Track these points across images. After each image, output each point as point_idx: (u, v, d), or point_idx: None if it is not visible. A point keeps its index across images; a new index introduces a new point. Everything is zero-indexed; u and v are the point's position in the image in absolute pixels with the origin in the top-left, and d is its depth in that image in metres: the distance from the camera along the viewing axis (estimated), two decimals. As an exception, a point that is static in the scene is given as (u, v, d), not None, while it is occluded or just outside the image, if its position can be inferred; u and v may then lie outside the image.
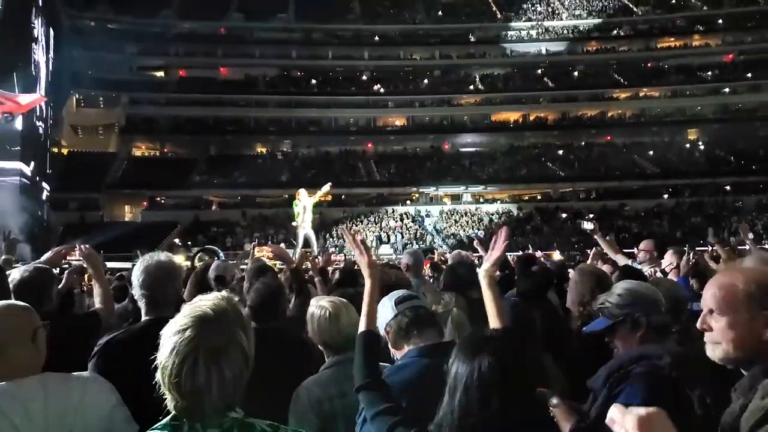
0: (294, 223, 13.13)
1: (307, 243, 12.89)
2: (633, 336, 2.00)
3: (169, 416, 1.34)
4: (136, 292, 2.42)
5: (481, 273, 2.11)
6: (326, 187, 12.72)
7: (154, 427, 1.34)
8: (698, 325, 1.52)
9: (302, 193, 12.99)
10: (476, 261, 5.70)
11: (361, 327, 2.01)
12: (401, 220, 37.82)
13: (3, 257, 4.19)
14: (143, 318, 2.42)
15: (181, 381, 1.29)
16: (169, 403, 1.32)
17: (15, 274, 2.82)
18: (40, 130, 29.35)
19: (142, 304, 2.42)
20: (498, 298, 2.09)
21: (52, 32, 31.46)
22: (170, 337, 1.33)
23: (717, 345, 1.46)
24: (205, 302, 1.39)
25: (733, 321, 1.43)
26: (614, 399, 1.80)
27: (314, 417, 2.18)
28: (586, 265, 3.67)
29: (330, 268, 6.33)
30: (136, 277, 2.41)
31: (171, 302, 2.37)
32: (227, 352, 1.33)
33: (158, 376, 1.33)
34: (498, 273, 2.04)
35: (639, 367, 1.85)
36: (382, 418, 1.73)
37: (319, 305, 2.45)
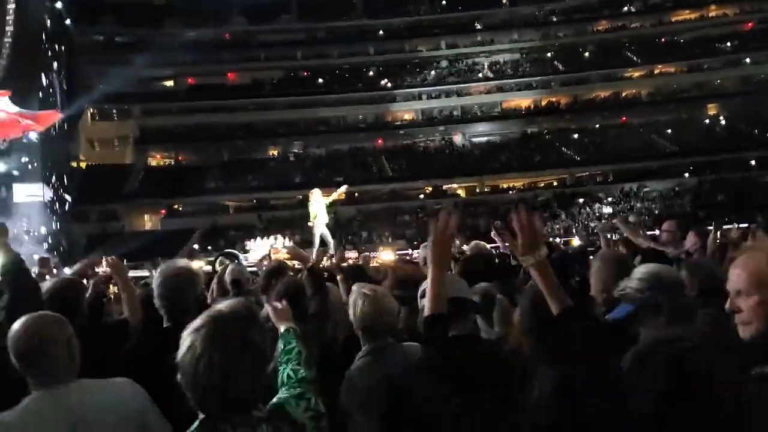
0: (310, 223, 13.20)
1: (323, 242, 12.95)
2: (656, 320, 1.98)
3: (198, 421, 1.38)
4: (157, 301, 2.49)
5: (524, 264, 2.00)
6: (342, 189, 12.81)
7: None
8: (727, 306, 1.52)
9: (316, 192, 13.05)
10: (493, 252, 5.68)
11: (428, 310, 1.96)
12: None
13: (37, 271, 4.29)
14: (165, 324, 2.48)
15: (199, 377, 1.34)
16: (191, 401, 1.38)
17: (47, 287, 2.89)
18: (59, 146, 29.89)
19: (162, 312, 2.48)
20: (549, 283, 1.89)
21: (63, 49, 31.93)
22: (187, 336, 1.39)
23: (748, 325, 1.47)
24: (221, 305, 1.47)
25: (763, 299, 1.43)
26: (638, 384, 1.79)
27: (372, 400, 2.22)
28: (607, 250, 3.64)
29: (345, 265, 6.37)
30: (156, 286, 2.49)
31: (191, 308, 2.42)
32: (242, 349, 1.38)
33: (179, 374, 1.38)
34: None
35: (664, 352, 1.82)
36: None
37: (362, 292, 2.50)
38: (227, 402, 1.35)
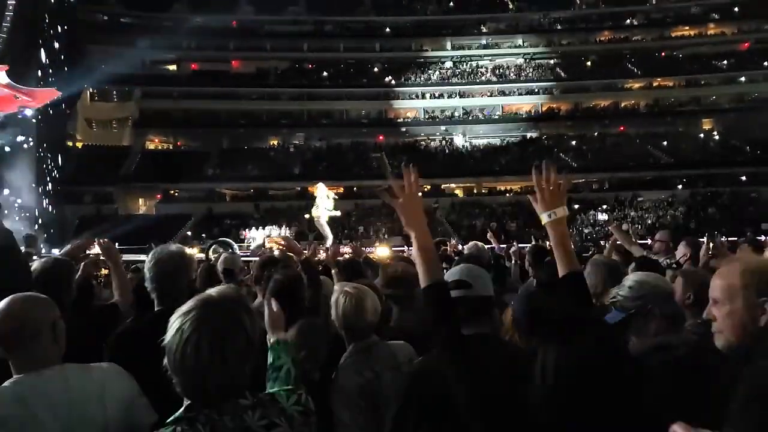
0: (308, 216, 13.26)
1: (321, 235, 13.00)
2: (647, 327, 2.01)
3: (183, 407, 1.36)
4: (148, 284, 2.44)
5: (543, 221, 1.94)
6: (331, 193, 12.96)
7: (169, 419, 1.35)
8: (704, 314, 1.56)
9: (320, 186, 13.10)
10: (490, 253, 5.69)
11: (425, 281, 1.81)
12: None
13: (24, 250, 4.25)
14: (156, 309, 2.44)
15: (186, 360, 1.32)
16: (177, 386, 1.35)
17: (35, 266, 2.86)
18: (55, 124, 29.68)
19: (153, 296, 2.44)
20: (564, 242, 1.85)
21: (65, 27, 31.71)
22: (176, 319, 1.38)
23: (720, 334, 1.50)
24: (211, 290, 1.45)
25: (732, 309, 1.47)
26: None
27: (361, 401, 2.22)
28: (599, 256, 3.66)
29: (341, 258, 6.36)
30: (148, 270, 2.44)
31: (183, 293, 2.36)
32: (230, 333, 1.36)
33: (165, 359, 1.36)
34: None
35: (655, 358, 1.87)
36: None
37: (343, 291, 2.46)
38: (213, 387, 1.33)
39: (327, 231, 13.13)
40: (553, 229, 1.86)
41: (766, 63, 44.37)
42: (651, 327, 2.00)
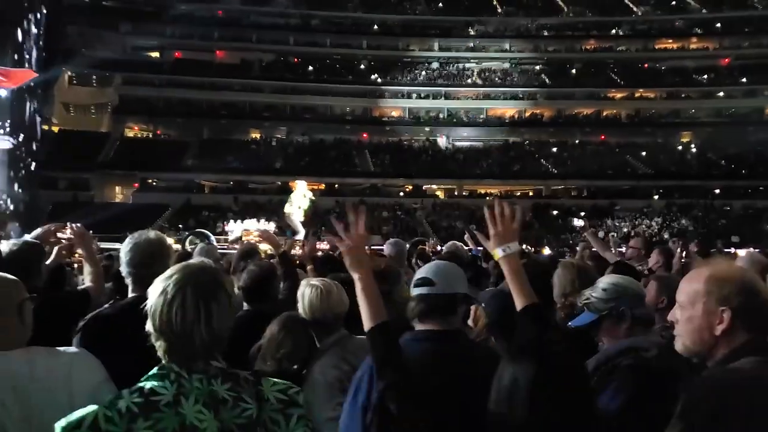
0: (286, 211, 13.20)
1: (295, 231, 12.99)
2: (618, 329, 2.03)
3: (157, 367, 1.36)
4: (124, 269, 2.39)
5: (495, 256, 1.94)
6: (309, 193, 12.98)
7: (143, 378, 1.36)
8: (668, 317, 1.57)
9: (300, 184, 13.09)
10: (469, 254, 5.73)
11: (370, 322, 1.79)
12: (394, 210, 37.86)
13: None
14: (130, 295, 2.39)
15: (172, 318, 1.33)
16: (159, 350, 1.36)
17: (3, 248, 2.79)
18: (30, 106, 28.95)
19: (129, 281, 2.39)
20: (518, 277, 1.84)
21: (45, 8, 30.97)
22: (159, 282, 1.39)
23: (678, 337, 1.52)
24: (189, 261, 1.50)
25: (692, 315, 1.48)
26: (602, 391, 1.84)
27: (339, 394, 2.19)
28: (569, 259, 3.71)
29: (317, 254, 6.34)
30: (125, 254, 2.38)
31: None
32: (214, 291, 1.39)
33: (148, 324, 1.36)
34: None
35: (627, 360, 1.89)
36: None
37: (310, 284, 2.48)
38: (200, 346, 1.34)
39: (299, 227, 13.09)
40: (507, 263, 1.85)
41: (744, 79, 45.36)
42: (622, 329, 2.03)
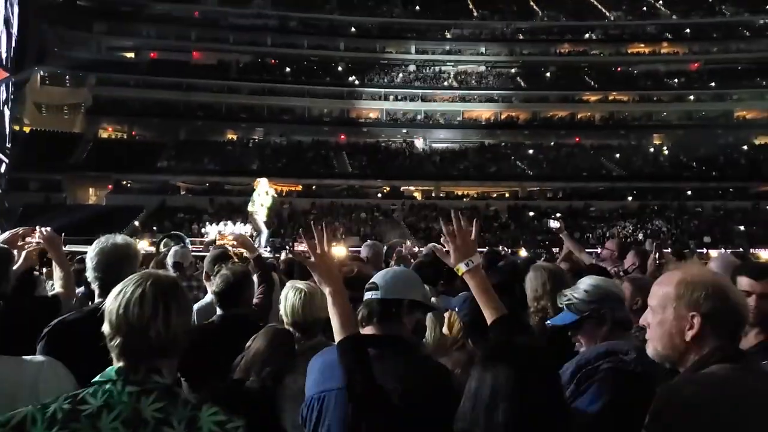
0: (250, 209, 13.00)
1: (259, 231, 12.84)
2: (598, 331, 2.03)
3: (98, 376, 1.33)
4: (90, 274, 2.36)
5: (458, 272, 2.00)
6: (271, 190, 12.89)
7: (93, 380, 1.33)
8: (640, 321, 1.56)
9: (262, 182, 12.89)
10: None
11: (340, 334, 1.83)
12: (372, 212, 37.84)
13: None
14: (96, 300, 2.36)
15: (129, 311, 1.32)
16: (113, 349, 1.33)
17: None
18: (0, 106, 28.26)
19: (95, 286, 2.35)
20: (484, 290, 1.92)
21: (16, 6, 30.26)
22: (118, 286, 1.39)
23: (650, 341, 1.50)
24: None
25: (663, 319, 1.46)
26: (581, 394, 1.85)
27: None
28: (542, 262, 3.74)
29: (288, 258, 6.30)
30: (90, 259, 2.35)
31: None
32: (174, 292, 1.38)
33: (105, 325, 1.34)
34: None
35: (606, 363, 1.88)
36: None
37: (294, 287, 2.45)
38: (148, 343, 1.31)
39: (262, 226, 12.92)
40: (472, 277, 1.88)
41: (713, 83, 46.48)
42: (602, 331, 2.02)
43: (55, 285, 2.96)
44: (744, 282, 2.13)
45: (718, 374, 1.37)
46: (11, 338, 1.78)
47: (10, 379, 1.61)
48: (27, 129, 40.17)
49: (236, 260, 3.60)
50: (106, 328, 1.34)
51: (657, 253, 4.55)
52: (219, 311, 2.95)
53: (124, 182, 39.00)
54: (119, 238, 2.43)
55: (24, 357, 1.72)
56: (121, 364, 1.32)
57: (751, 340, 2.02)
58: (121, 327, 1.32)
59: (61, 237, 3.16)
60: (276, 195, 13.48)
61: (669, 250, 8.72)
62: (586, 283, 2.13)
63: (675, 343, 1.45)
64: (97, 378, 1.33)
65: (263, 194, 12.72)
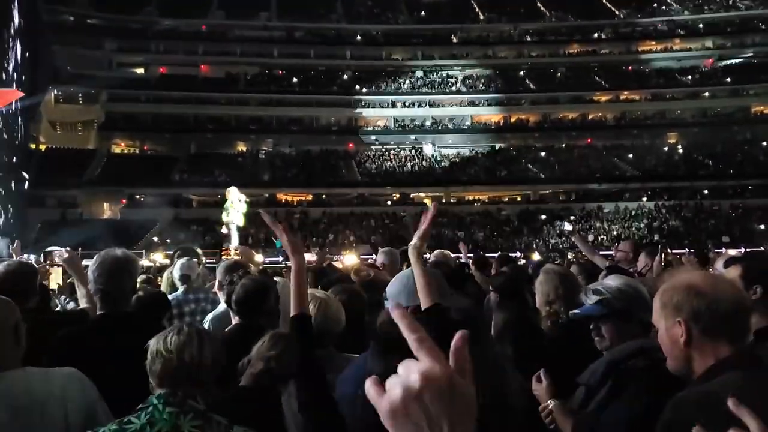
0: (225, 218, 13.21)
1: (230, 238, 13.03)
2: (624, 329, 2.00)
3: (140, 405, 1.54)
4: (92, 286, 2.46)
5: (410, 248, 2.16)
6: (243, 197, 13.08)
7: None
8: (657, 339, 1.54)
9: (232, 190, 13.14)
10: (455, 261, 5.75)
11: (295, 310, 1.99)
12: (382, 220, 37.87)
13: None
14: (98, 313, 2.45)
15: (168, 339, 1.58)
16: (153, 377, 1.56)
17: (-1, 268, 2.80)
18: (17, 125, 28.82)
19: (97, 298, 2.45)
20: (425, 273, 2.10)
21: (30, 26, 30.89)
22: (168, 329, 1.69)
23: (666, 357, 1.48)
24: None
25: (661, 333, 1.46)
26: (618, 394, 1.82)
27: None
28: (551, 265, 3.72)
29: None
30: (91, 272, 2.44)
31: (126, 297, 2.48)
32: (207, 330, 1.67)
33: (148, 358, 1.58)
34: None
35: (641, 361, 1.86)
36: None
37: (313, 296, 2.44)
38: (183, 366, 1.54)
39: (235, 236, 13.15)
40: (415, 257, 2.11)
41: (728, 79, 45.75)
42: (628, 330, 1.99)
43: (80, 302, 3.08)
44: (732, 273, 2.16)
45: (728, 384, 1.31)
46: (42, 351, 1.84)
47: (41, 389, 1.69)
48: (43, 147, 40.83)
49: (249, 270, 3.63)
50: (149, 360, 1.58)
51: (662, 254, 4.51)
52: (236, 320, 2.98)
53: (138, 196, 39.43)
54: (118, 252, 2.53)
55: (51, 369, 1.79)
56: (161, 390, 1.54)
57: None
58: (159, 352, 1.56)
59: (77, 252, 3.25)
60: (248, 200, 13.83)
61: (686, 251, 8.60)
62: (620, 282, 2.11)
63: (676, 353, 1.43)
64: (139, 405, 1.53)
65: (236, 202, 12.99)
